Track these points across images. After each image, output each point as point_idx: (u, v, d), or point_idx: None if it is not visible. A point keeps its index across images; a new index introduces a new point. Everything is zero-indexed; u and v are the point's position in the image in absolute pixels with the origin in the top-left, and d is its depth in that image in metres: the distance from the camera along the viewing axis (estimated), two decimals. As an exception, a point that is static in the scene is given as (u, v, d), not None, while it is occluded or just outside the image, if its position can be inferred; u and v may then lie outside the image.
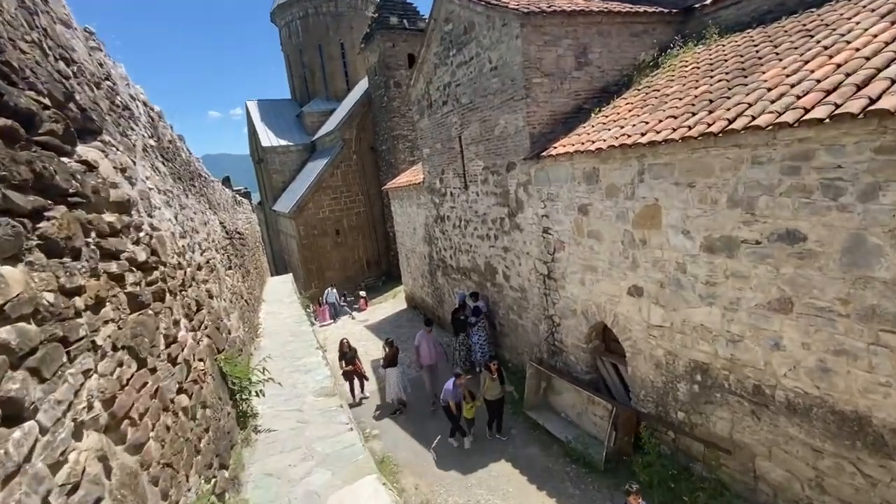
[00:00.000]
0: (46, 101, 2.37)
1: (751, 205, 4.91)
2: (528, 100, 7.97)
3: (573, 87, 8.28)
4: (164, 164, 4.93)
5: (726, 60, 6.78)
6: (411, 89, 12.76)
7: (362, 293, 20.69)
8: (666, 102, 6.48)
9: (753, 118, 4.78)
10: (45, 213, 1.89)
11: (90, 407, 1.81)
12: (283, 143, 31.18)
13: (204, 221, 6.25)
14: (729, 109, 5.23)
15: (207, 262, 5.24)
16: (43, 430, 1.44)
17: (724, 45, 7.44)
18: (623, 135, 6.20)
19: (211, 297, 4.90)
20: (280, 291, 13.92)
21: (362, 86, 28.87)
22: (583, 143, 6.85)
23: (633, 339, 6.67)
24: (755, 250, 4.96)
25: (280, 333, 8.22)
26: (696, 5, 8.76)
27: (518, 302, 9.58)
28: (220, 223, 8.24)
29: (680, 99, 6.31)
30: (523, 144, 8.29)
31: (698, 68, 7.14)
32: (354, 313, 19.52)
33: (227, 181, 16.70)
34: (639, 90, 7.72)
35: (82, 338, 1.86)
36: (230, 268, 7.14)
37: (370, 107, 26.51)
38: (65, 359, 1.70)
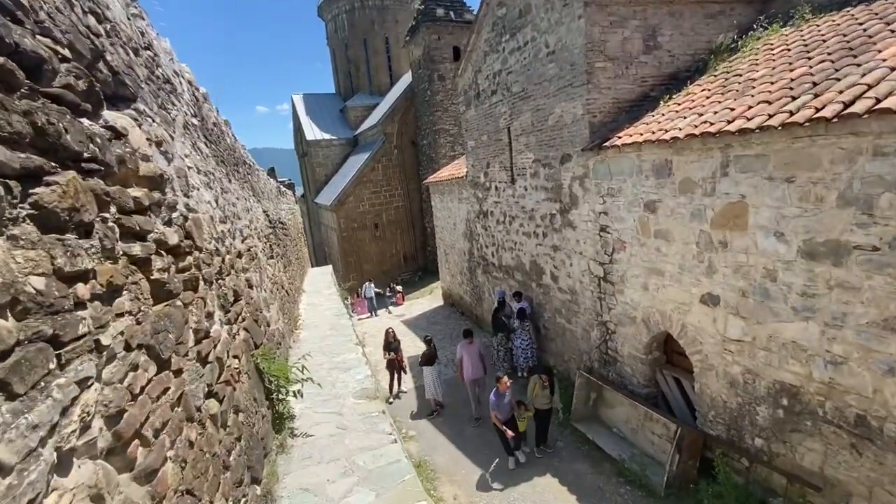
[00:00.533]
0: (66, 52, 2.01)
1: (869, 204, 4.10)
2: (588, 86, 7.29)
3: (640, 72, 7.52)
4: (206, 145, 4.65)
5: (825, 41, 5.87)
6: (458, 79, 12.24)
7: (399, 287, 20.44)
8: (753, 87, 5.66)
9: (878, 100, 3.98)
10: (45, 178, 1.50)
11: (85, 428, 1.42)
12: (327, 136, 31.46)
13: (247, 208, 6.00)
14: (842, 92, 4.41)
15: (248, 249, 4.94)
16: (3, 471, 1.04)
17: (818, 25, 6.50)
18: (704, 122, 5.45)
19: (251, 286, 4.60)
20: (320, 282, 13.80)
21: (405, 80, 28.65)
22: (653, 133, 6.12)
23: (704, 353, 5.91)
24: (871, 258, 4.15)
25: (319, 326, 7.97)
26: (784, -18, 7.78)
27: (567, 305, 8.91)
28: (264, 211, 8.03)
29: (772, 83, 5.49)
30: (581, 134, 7.61)
31: (789, 50, 6.24)
32: (391, 307, 19.30)
33: (271, 172, 16.78)
34: (716, 75, 6.87)
35: (82, 336, 1.48)
36: (272, 257, 6.89)
37: (413, 101, 26.23)
38: (53, 365, 1.31)
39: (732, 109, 5.34)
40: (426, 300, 19.67)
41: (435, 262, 26.88)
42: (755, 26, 7.44)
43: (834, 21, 6.34)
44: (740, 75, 6.35)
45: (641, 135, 6.32)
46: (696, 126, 5.48)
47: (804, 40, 6.19)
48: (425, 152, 25.75)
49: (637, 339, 7.12)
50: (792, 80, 5.26)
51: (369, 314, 17.74)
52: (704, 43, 7.77)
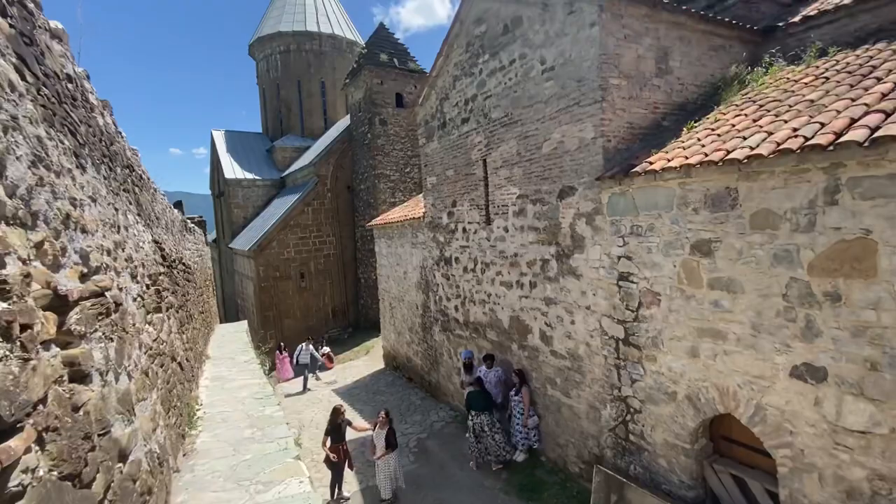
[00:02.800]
0: None
1: None
2: (603, 104, 5.95)
3: (652, 97, 6.40)
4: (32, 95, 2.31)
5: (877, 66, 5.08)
6: (418, 108, 10.68)
7: (326, 348, 17.35)
8: (825, 106, 4.58)
9: None
10: None
11: None
12: (250, 176, 28.29)
13: (115, 225, 3.53)
14: None
15: (99, 295, 2.48)
16: None
17: (850, 57, 5.82)
18: (792, 137, 4.16)
19: (84, 378, 2.10)
20: (231, 344, 10.67)
21: (343, 123, 26.99)
22: (705, 154, 4.77)
23: (798, 447, 4.27)
24: None
25: (231, 421, 5.17)
26: (780, 24, 7.35)
27: (565, 373, 7.06)
28: (155, 241, 5.39)
29: (852, 100, 4.43)
30: (591, 162, 6.18)
31: (843, 73, 5.42)
32: (318, 372, 16.11)
33: (178, 205, 13.62)
34: (738, 104, 5.90)
35: None
36: (158, 309, 4.27)
37: (350, 144, 24.46)
38: None
39: (824, 124, 4.13)
40: (362, 362, 16.81)
41: (368, 318, 24.08)
42: (762, 63, 6.76)
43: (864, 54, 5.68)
44: (780, 101, 5.36)
45: (687, 157, 4.95)
46: (780, 143, 4.17)
47: (848, 68, 5.39)
48: (362, 198, 23.75)
49: (677, 423, 5.38)
50: (884, 94, 4.22)
51: (300, 387, 13.98)
52: (709, 75, 6.95)
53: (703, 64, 6.92)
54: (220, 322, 18.06)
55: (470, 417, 8.02)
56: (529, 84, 7.15)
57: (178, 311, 5.80)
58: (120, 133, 5.09)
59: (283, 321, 23.28)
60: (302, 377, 14.01)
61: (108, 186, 3.43)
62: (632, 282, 5.75)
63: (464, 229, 9.41)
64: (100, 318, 2.45)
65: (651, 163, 5.38)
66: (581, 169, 6.36)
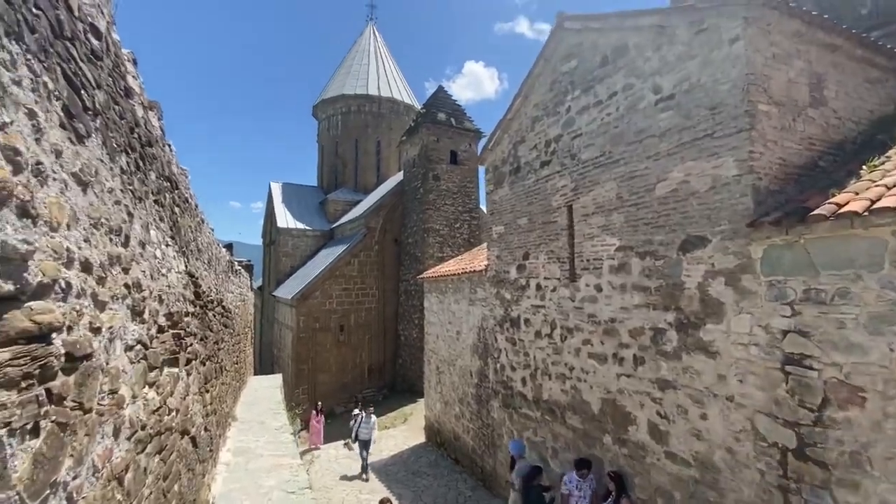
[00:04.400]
0: None
1: None
2: (752, 133, 4.65)
3: (807, 130, 5.05)
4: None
5: None
6: (487, 154, 9.78)
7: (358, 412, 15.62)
8: None
9: None
10: None
11: None
12: (301, 226, 28.44)
13: (129, 244, 2.47)
14: None
15: (39, 347, 1.27)
16: None
17: None
18: None
19: None
20: (264, 403, 9.35)
21: (394, 179, 27.05)
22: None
23: None
24: None
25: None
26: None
27: (688, 486, 5.19)
28: (189, 274, 4.35)
29: None
30: (733, 205, 4.77)
31: None
32: (352, 441, 14.35)
33: (229, 247, 13.08)
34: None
35: None
36: (173, 361, 3.08)
37: (402, 199, 24.18)
38: None
39: None
40: (399, 432, 14.92)
41: (406, 379, 22.29)
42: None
43: None
44: None
45: (910, 196, 3.47)
46: None
47: None
48: (409, 251, 22.96)
49: None
50: None
51: (353, 468, 11.02)
52: (867, 111, 5.57)
53: (861, 97, 5.57)
54: (255, 373, 16.92)
55: None
56: (637, 117, 6.00)
57: (203, 364, 4.60)
58: (168, 144, 4.24)
59: (317, 376, 21.94)
60: (361, 454, 10.96)
61: (124, 182, 2.37)
62: (810, 368, 4.07)
63: (538, 286, 7.99)
64: (28, 386, 1.24)
65: (839, 204, 3.92)
66: (716, 215, 4.95)
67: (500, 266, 9.21)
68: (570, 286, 7.19)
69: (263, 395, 10.20)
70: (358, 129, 32.20)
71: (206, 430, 4.33)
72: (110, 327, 1.84)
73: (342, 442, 14.15)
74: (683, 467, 5.25)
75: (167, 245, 3.51)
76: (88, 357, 1.61)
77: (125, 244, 2.20)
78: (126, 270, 2.15)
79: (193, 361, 3.95)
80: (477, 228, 22.75)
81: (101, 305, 1.79)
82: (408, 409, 18.46)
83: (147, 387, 2.36)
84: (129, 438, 1.95)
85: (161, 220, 3.35)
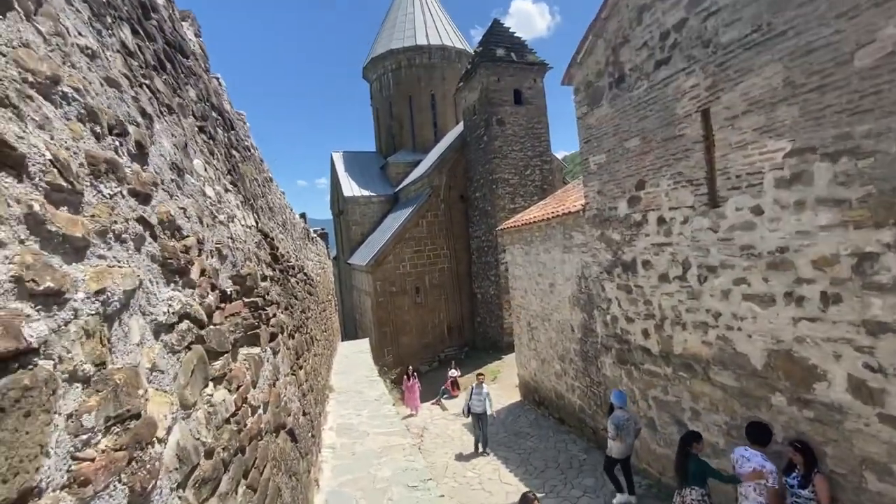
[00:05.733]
0: None
1: None
2: None
3: None
4: None
5: None
6: (574, 69, 8.15)
7: (454, 371, 15.28)
8: None
9: None
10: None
11: None
12: (366, 193, 28.23)
13: (195, 197, 1.62)
14: None
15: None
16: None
17: None
18: None
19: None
20: (357, 370, 8.99)
21: (455, 131, 25.61)
22: None
23: None
24: None
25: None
26: None
27: (926, 460, 3.81)
28: (262, 233, 3.58)
29: None
30: None
31: None
32: (443, 399, 14.07)
33: (303, 216, 12.74)
34: None
35: None
36: (253, 339, 2.29)
37: (463, 152, 22.80)
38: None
39: None
40: (492, 391, 14.34)
41: (487, 336, 21.73)
42: None
43: None
44: None
45: None
46: None
47: None
48: (478, 206, 21.77)
49: None
50: None
51: (470, 444, 9.61)
52: None
53: None
54: (342, 340, 17.14)
55: (678, 493, 5.12)
56: (817, -39, 4.21)
57: (292, 337, 3.92)
58: (216, 77, 3.38)
59: (399, 338, 22.10)
60: (475, 429, 9.22)
61: (130, 66, 1.44)
62: None
63: (660, 219, 6.54)
64: None
65: None
66: None
67: (602, 203, 7.79)
68: (709, 214, 5.69)
69: (355, 360, 9.89)
70: (410, 84, 30.75)
71: (304, 414, 3.69)
72: (102, 290, 0.94)
73: (430, 402, 13.91)
74: (919, 437, 3.83)
75: (226, 190, 2.67)
76: (24, 357, 0.70)
77: (138, 155, 1.29)
78: (140, 196, 1.24)
79: (280, 336, 3.21)
80: (549, 174, 20.92)
81: (67, 248, 0.88)
82: (493, 366, 17.91)
83: (211, 384, 1.54)
84: (177, 488, 1.11)
85: (212, 154, 2.48)
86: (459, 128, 24.45)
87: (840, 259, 4.28)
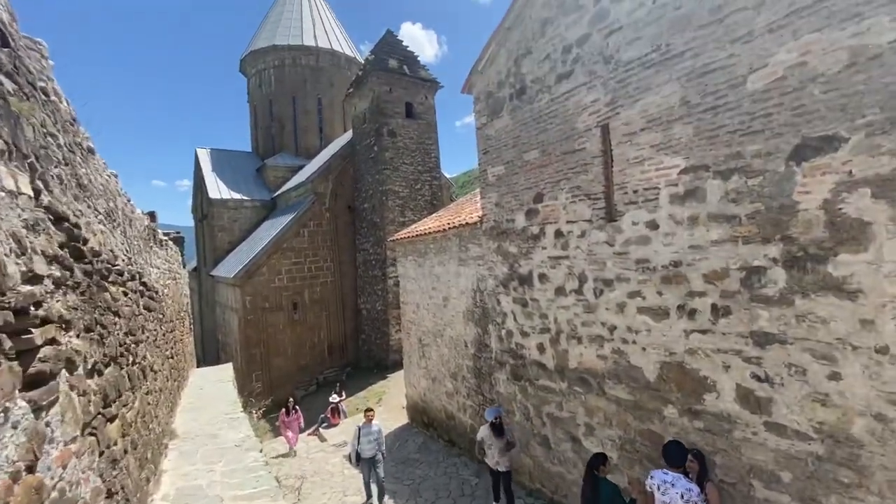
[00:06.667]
0: None
1: None
2: (924, -26, 3.21)
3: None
4: None
5: None
6: (475, 77, 7.91)
7: (335, 397, 13.79)
8: None
9: None
10: None
11: None
12: (237, 196, 25.08)
13: None
14: None
15: None
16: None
17: None
18: None
19: None
20: (214, 404, 7.25)
21: (341, 140, 24.35)
22: None
23: None
24: None
25: None
26: None
27: (806, 466, 3.98)
28: (48, 208, 2.26)
29: None
30: (891, 84, 3.38)
31: None
32: (321, 428, 12.53)
33: (152, 216, 10.34)
34: None
35: None
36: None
37: (352, 160, 21.66)
38: None
39: None
40: (376, 415, 13.23)
41: (371, 356, 20.49)
42: None
43: None
44: None
45: None
46: None
47: None
48: (366, 217, 20.74)
49: None
50: None
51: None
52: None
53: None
54: (198, 365, 14.38)
55: None
56: (711, -10, 4.43)
57: (97, 374, 2.59)
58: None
59: (271, 360, 19.62)
60: (364, 479, 7.61)
61: None
62: None
63: (558, 233, 6.45)
64: None
65: None
66: (856, 102, 3.54)
67: (500, 215, 7.55)
68: (606, 228, 5.70)
69: (212, 392, 8.05)
70: (295, 85, 28.60)
71: (108, 495, 2.36)
72: None
73: (307, 432, 12.27)
74: (798, 442, 4.03)
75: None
76: None
77: None
78: None
79: (64, 375, 1.96)
80: (439, 189, 20.89)
81: None
82: (377, 386, 16.85)
83: None
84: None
85: None
86: (348, 135, 23.28)
87: (730, 273, 4.44)
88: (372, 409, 7.85)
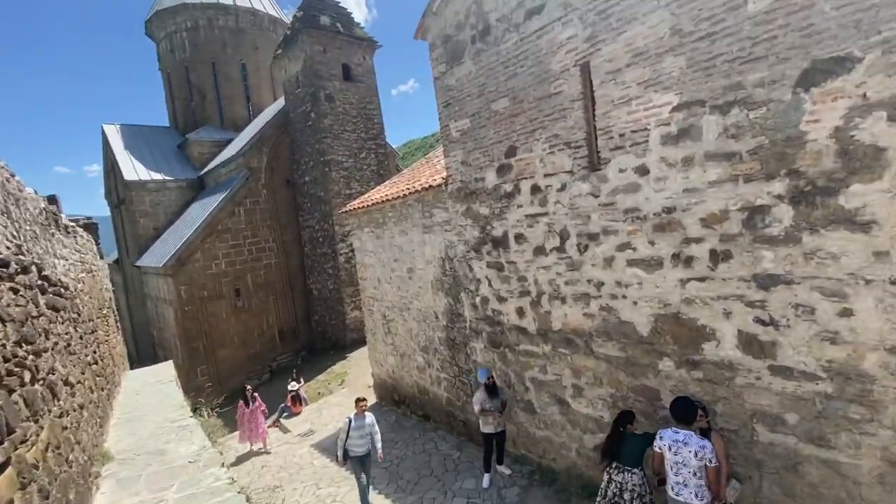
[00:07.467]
0: None
1: None
2: None
3: None
4: None
5: None
6: (430, 19, 7.04)
7: (294, 384, 12.87)
8: None
9: None
10: None
11: None
12: (158, 176, 22.39)
13: None
14: None
15: None
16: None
17: None
18: None
19: None
20: (155, 412, 6.21)
21: (273, 108, 22.23)
22: None
23: None
24: None
25: None
26: None
27: (812, 405, 3.89)
28: None
29: None
30: (913, -6, 3.08)
31: None
32: (283, 419, 11.67)
33: (52, 199, 8.62)
34: None
35: None
36: None
37: (287, 130, 19.86)
38: None
39: None
40: (341, 397, 12.56)
41: (326, 337, 19.52)
42: None
43: None
44: None
45: None
46: None
47: None
48: (308, 191, 19.30)
49: None
50: None
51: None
52: None
53: None
54: (132, 366, 12.78)
55: (608, 474, 4.66)
56: None
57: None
58: None
59: (216, 352, 18.13)
60: (357, 478, 6.65)
61: None
62: None
63: (534, 188, 5.96)
64: None
65: None
66: (872, 18, 3.24)
67: (468, 174, 6.92)
68: (589, 178, 5.27)
69: (151, 398, 6.95)
70: (213, 49, 25.57)
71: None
72: None
73: (267, 425, 11.36)
74: (805, 382, 3.92)
75: None
76: None
77: None
78: None
79: None
80: (385, 158, 19.75)
81: None
82: (337, 367, 16.08)
83: None
84: None
85: None
86: (280, 103, 21.25)
87: (730, 215, 4.16)
88: (364, 399, 6.75)
